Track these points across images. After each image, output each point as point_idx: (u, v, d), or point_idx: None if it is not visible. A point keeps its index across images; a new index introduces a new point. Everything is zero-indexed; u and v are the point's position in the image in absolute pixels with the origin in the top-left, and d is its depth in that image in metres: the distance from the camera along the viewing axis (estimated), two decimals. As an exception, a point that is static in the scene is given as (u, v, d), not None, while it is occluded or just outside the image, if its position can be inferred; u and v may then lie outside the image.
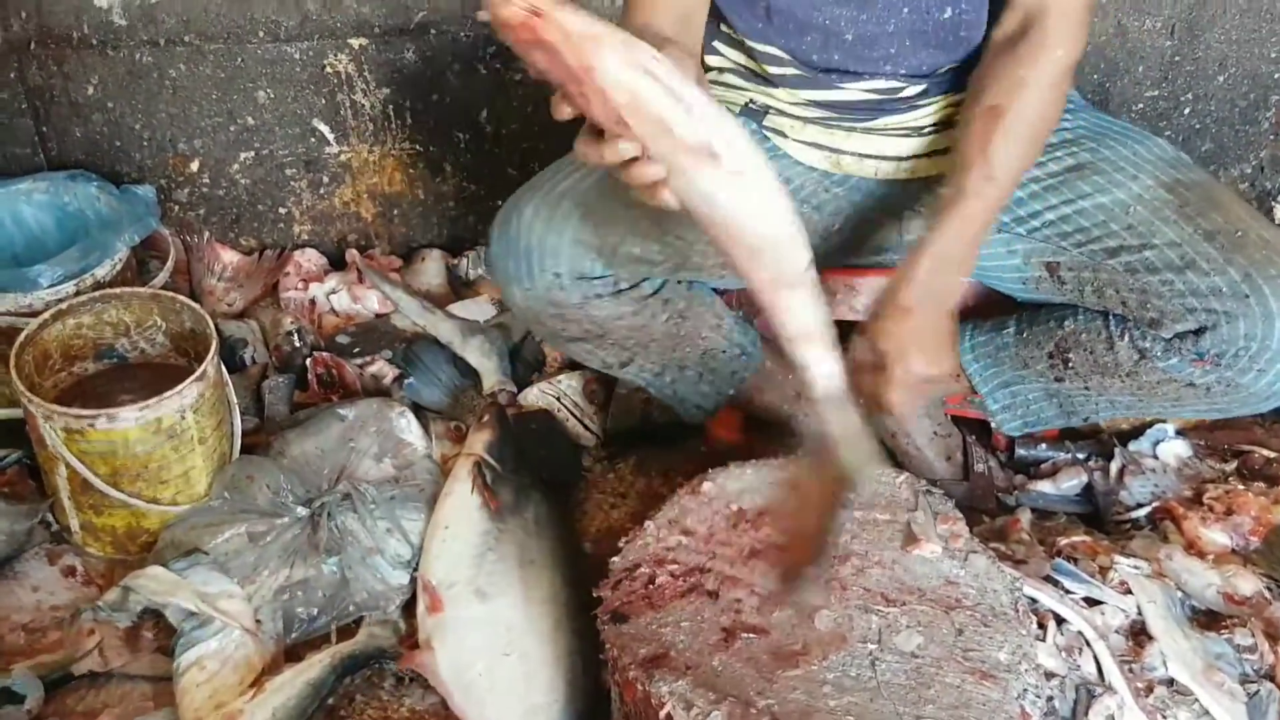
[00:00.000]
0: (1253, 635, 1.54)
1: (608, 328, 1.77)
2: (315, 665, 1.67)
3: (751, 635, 1.37)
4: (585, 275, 1.69)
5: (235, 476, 1.89)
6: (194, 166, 2.43)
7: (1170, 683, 1.50)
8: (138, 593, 1.72)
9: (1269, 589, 1.62)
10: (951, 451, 1.99)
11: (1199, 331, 1.58)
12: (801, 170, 1.78)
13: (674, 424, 2.04)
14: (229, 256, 2.48)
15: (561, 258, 1.66)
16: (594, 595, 1.45)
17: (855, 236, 1.84)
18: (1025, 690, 1.32)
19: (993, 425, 1.97)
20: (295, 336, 2.27)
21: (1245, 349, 1.55)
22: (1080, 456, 1.99)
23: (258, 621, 1.73)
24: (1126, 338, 1.67)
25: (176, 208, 2.47)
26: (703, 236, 1.76)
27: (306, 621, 1.76)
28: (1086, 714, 1.48)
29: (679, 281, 1.80)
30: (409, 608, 1.78)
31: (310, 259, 2.47)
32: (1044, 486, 1.96)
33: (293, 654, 1.73)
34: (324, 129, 2.40)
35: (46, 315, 1.91)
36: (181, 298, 1.97)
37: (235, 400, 1.99)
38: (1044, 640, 1.52)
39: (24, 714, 1.64)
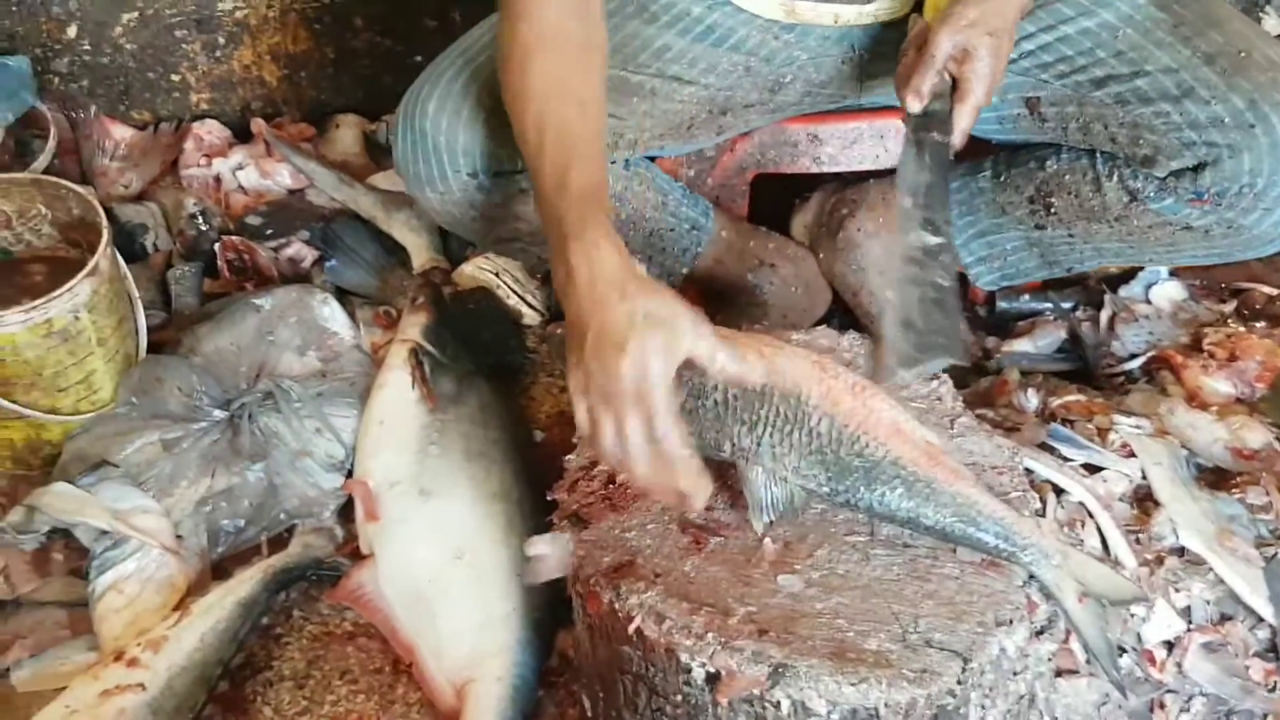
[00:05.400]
0: (1266, 493, 1.48)
1: (537, 225, 1.62)
2: (245, 582, 1.61)
3: (726, 536, 1.27)
4: (504, 171, 1.58)
5: (142, 379, 1.81)
6: (71, 31, 2.32)
7: (1181, 552, 1.43)
8: (43, 512, 1.65)
9: (1279, 440, 1.52)
10: (919, 312, 1.87)
11: (1197, 168, 1.50)
12: (745, 19, 1.65)
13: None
14: (120, 132, 2.38)
15: (475, 155, 1.57)
16: (549, 498, 1.36)
17: (810, 85, 1.74)
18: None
19: (970, 279, 1.86)
20: (200, 219, 2.20)
21: (1250, 185, 1.48)
22: (1066, 306, 1.91)
23: (178, 537, 1.66)
24: (1115, 177, 1.59)
25: (56, 79, 2.36)
26: (637, 108, 1.56)
27: (233, 534, 1.70)
28: (1094, 594, 1.38)
29: (612, 162, 1.65)
30: (346, 512, 1.72)
31: (212, 131, 2.39)
32: (1022, 345, 1.87)
33: (220, 571, 1.67)
34: (213, -19, 2.30)
35: (-88, 211, 1.82)
36: (65, 182, 1.86)
37: (137, 294, 1.91)
38: (1044, 516, 1.44)
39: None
